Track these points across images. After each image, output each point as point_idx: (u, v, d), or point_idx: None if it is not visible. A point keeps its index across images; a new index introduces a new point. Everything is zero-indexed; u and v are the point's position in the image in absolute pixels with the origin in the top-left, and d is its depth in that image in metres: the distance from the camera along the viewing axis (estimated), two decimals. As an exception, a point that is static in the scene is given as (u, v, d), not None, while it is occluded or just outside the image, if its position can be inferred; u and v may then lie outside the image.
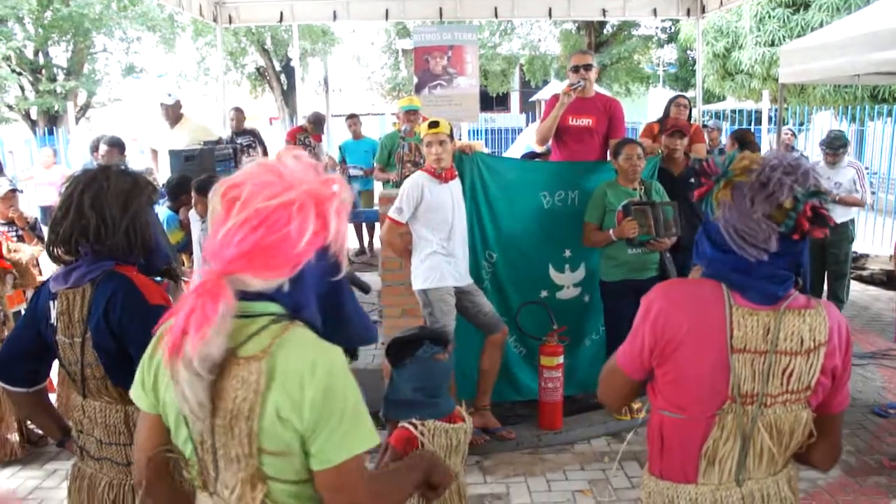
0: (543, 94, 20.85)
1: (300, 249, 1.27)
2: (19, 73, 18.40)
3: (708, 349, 1.52)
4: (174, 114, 6.71)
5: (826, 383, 1.59)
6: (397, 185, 5.49)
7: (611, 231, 4.43)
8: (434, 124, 4.14)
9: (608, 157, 4.85)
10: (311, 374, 1.28)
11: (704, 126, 9.91)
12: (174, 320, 1.27)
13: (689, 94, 16.96)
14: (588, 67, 4.93)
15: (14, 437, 4.37)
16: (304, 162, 1.35)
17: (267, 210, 1.26)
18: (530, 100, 26.40)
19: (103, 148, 5.55)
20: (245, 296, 1.31)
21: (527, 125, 20.03)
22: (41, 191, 9.83)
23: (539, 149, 6.40)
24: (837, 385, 1.62)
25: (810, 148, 12.54)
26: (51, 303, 2.08)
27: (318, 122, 8.85)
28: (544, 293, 4.91)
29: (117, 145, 5.62)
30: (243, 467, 1.32)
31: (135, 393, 1.47)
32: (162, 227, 2.30)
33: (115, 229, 2.01)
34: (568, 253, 4.91)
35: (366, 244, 9.33)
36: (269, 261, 1.27)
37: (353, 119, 9.17)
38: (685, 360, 1.53)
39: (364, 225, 9.20)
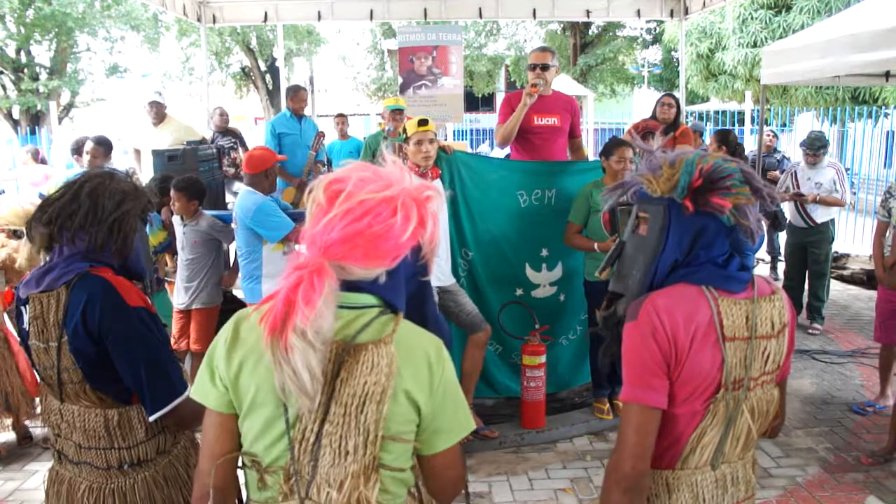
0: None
1: (403, 241, 1.32)
2: (1, 72, 18.25)
3: (708, 345, 1.56)
4: (160, 113, 6.70)
5: (788, 359, 1.70)
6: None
7: (596, 244, 4.41)
8: (424, 122, 4.14)
9: (596, 156, 4.84)
10: (437, 361, 1.39)
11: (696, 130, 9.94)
12: (273, 303, 1.26)
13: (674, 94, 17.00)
14: (545, 67, 4.85)
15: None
16: (398, 166, 1.41)
17: (371, 202, 1.31)
18: (516, 100, 26.43)
19: (89, 145, 5.47)
20: (346, 287, 1.34)
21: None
22: (24, 190, 9.72)
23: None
24: (787, 356, 1.72)
25: (792, 149, 12.64)
26: (22, 308, 2.04)
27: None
28: (519, 291, 4.92)
29: (103, 144, 5.55)
30: (359, 458, 1.33)
31: (201, 390, 1.42)
32: (147, 247, 2.27)
33: (102, 220, 1.99)
34: (545, 252, 4.92)
35: None
36: (372, 250, 1.31)
37: (340, 118, 9.13)
38: (694, 362, 1.55)
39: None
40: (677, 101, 6.16)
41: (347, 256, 1.30)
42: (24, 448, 4.50)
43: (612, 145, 4.53)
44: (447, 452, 1.42)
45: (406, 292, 1.45)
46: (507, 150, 5.41)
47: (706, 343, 1.55)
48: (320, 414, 1.32)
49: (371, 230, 1.30)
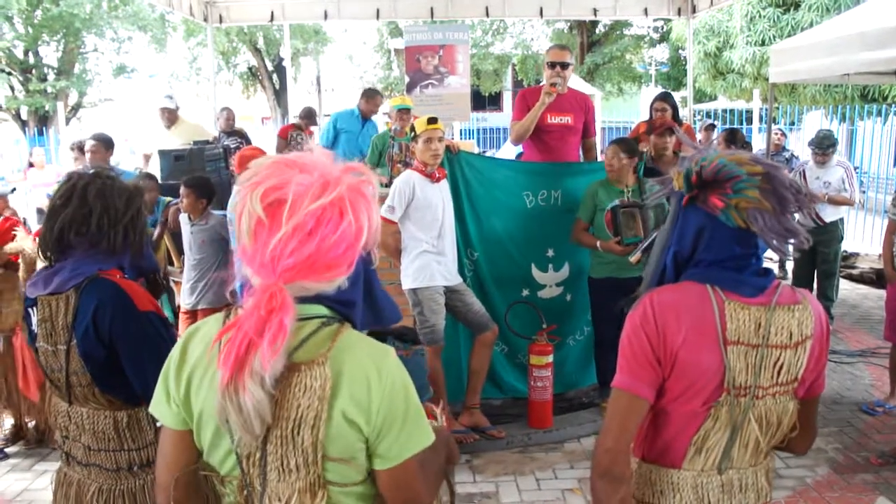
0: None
1: (359, 242, 1.25)
2: (9, 73, 18.33)
3: (705, 345, 1.54)
4: (172, 117, 6.77)
5: (811, 373, 1.63)
6: (388, 186, 5.48)
7: (598, 242, 4.46)
8: (433, 120, 4.15)
9: (598, 157, 4.86)
10: (378, 377, 1.28)
11: (711, 126, 9.88)
12: (232, 333, 1.21)
13: (682, 93, 16.95)
14: (565, 66, 4.81)
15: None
16: (324, 153, 1.31)
17: (318, 211, 1.21)
18: (523, 99, 26.39)
19: (90, 143, 5.46)
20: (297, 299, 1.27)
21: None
22: (35, 192, 9.74)
23: None
24: (818, 372, 1.66)
25: (801, 148, 12.58)
26: (30, 309, 2.03)
27: (310, 115, 8.85)
28: (525, 292, 4.91)
29: (103, 141, 5.52)
30: (302, 476, 1.29)
31: (158, 409, 1.39)
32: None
33: (117, 221, 1.98)
34: (551, 252, 4.91)
35: None
36: (333, 261, 1.23)
37: None
38: (686, 359, 1.54)
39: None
40: (671, 101, 6.00)
41: (308, 276, 1.23)
42: (31, 448, 4.51)
43: (609, 144, 4.64)
44: (390, 473, 1.32)
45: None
46: (519, 148, 5.40)
47: (703, 343, 1.54)
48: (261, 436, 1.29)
49: (326, 242, 1.21)
